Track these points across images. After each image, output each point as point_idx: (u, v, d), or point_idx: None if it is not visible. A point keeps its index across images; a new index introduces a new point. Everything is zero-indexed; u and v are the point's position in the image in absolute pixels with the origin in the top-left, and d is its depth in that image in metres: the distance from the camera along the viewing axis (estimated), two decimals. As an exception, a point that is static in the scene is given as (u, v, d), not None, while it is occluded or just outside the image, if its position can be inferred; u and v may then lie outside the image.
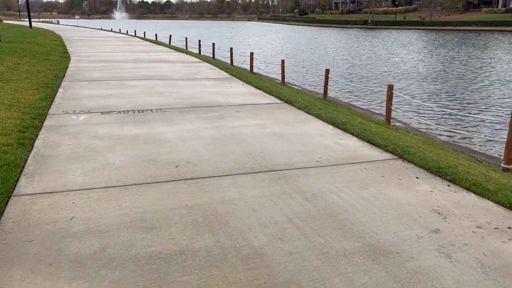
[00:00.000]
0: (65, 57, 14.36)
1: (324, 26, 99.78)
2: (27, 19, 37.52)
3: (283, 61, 15.55)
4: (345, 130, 6.17)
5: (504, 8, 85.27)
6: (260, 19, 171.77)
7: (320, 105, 8.79)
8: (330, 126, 6.39)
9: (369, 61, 27.53)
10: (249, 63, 17.83)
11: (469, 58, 29.66)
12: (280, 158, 4.90)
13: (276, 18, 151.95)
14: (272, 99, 8.32)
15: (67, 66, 12.21)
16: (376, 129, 6.96)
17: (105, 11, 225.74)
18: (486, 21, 78.65)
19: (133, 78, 10.50)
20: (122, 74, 11.23)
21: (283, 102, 8.07)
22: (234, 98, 8.36)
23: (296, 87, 16.19)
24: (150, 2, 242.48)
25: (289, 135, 5.84)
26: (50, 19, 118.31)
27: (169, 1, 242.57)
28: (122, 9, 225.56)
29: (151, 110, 7.18)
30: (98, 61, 14.04)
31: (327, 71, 12.54)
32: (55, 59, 13.61)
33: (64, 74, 10.69)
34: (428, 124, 10.86)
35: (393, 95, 9.60)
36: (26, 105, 7.07)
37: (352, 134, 6.02)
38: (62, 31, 36.97)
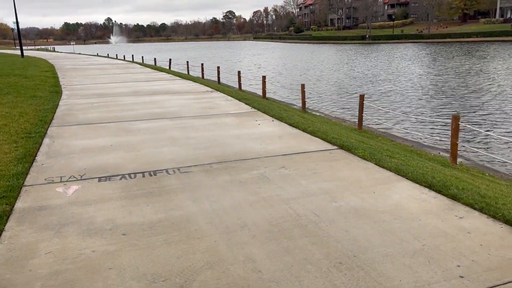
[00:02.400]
0: (56, 92, 12.50)
1: (321, 43, 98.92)
2: (24, 48, 36.01)
3: (303, 86, 13.77)
4: (454, 198, 4.25)
5: (502, 18, 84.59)
6: (256, 38, 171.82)
7: (381, 147, 6.88)
8: (426, 191, 4.47)
9: (392, 76, 25.80)
10: (256, 85, 16.04)
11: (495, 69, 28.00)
12: (394, 272, 2.96)
13: (272, 37, 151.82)
14: (320, 143, 6.41)
15: (57, 104, 10.33)
16: (484, 187, 5.03)
17: (101, 36, 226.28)
18: (486, 32, 77.77)
19: (137, 118, 8.61)
20: (123, 112, 9.34)
21: (337, 147, 6.16)
22: (270, 143, 6.45)
23: (317, 114, 14.34)
24: (145, 26, 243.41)
25: (378, 214, 3.92)
26: (46, 46, 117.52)
27: (164, 24, 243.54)
28: (118, 33, 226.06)
29: (166, 171, 5.26)
30: (93, 95, 12.17)
31: (362, 97, 10.71)
32: (44, 95, 11.74)
33: (53, 116, 8.80)
34: None
35: (459, 127, 7.74)
36: (-5, 172, 5.16)
37: (466, 204, 4.11)
38: (56, 59, 35.34)
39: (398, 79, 25.53)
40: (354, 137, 7.85)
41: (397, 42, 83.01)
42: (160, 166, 5.42)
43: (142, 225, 3.80)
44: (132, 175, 5.11)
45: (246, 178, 4.95)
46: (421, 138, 11.34)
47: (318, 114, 14.22)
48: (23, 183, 4.88)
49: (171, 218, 3.93)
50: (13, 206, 4.23)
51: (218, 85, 16.74)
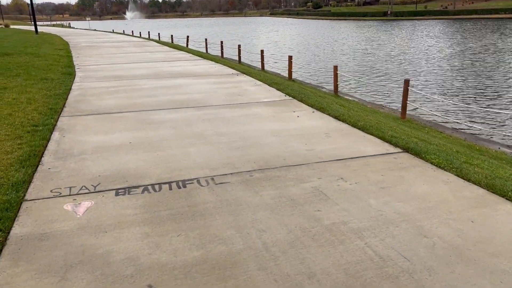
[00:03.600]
0: (69, 74, 11.58)
1: (341, 19, 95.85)
2: (39, 23, 35.13)
3: (335, 68, 12.57)
4: None
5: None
6: (273, 14, 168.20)
7: (446, 146, 5.79)
8: (539, 219, 3.42)
9: (422, 56, 24.21)
10: (279, 65, 14.85)
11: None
12: None
13: (289, 13, 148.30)
14: (378, 143, 5.35)
15: (70, 89, 9.40)
16: None
17: (116, 12, 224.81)
18: (515, 8, 74.14)
19: (158, 107, 7.62)
20: (142, 99, 8.36)
21: (401, 150, 5.09)
22: (317, 143, 5.42)
23: (350, 98, 13.17)
24: (160, 1, 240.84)
25: (490, 258, 2.89)
26: (62, 22, 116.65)
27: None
28: (133, 9, 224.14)
29: (198, 181, 4.28)
30: (109, 77, 11.21)
31: (407, 82, 9.52)
32: (56, 77, 10.82)
33: (64, 104, 7.87)
34: None
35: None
36: (-8, 180, 4.26)
37: None
38: (71, 35, 34.43)
39: (429, 59, 23.97)
40: (411, 133, 6.75)
41: (420, 19, 79.86)
42: (190, 174, 4.45)
43: (174, 269, 2.85)
44: (156, 187, 4.15)
45: (297, 193, 3.95)
46: (465, 127, 10.13)
47: (351, 99, 13.05)
48: (24, 196, 3.97)
49: (210, 257, 2.97)
50: (8, 233, 3.32)
51: (240, 66, 15.63)
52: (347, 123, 6.32)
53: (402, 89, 9.65)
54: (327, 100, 8.77)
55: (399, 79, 17.62)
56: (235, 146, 5.35)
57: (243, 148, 5.25)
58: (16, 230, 3.37)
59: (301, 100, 7.92)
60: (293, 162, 4.74)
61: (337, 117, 6.65)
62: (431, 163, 4.64)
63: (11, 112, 6.99)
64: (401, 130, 6.58)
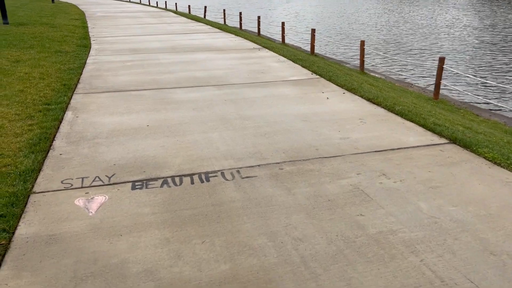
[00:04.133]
0: (84, 46, 11.13)
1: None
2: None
3: (362, 43, 11.85)
4: None
5: None
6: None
7: (497, 137, 5.22)
8: None
9: (449, 30, 23.05)
10: (299, 38, 14.14)
11: None
12: None
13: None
14: (420, 132, 4.81)
15: (85, 63, 8.97)
16: None
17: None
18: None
19: (177, 84, 7.15)
20: (160, 75, 7.90)
21: (447, 141, 4.56)
22: (351, 130, 4.92)
23: (377, 75, 12.49)
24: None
25: None
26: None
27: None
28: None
29: (222, 173, 3.85)
30: (125, 50, 10.74)
31: (442, 60, 8.83)
32: (71, 49, 10.40)
33: (79, 80, 7.46)
34: None
35: None
36: (-1, 168, 3.90)
37: None
38: (87, 5, 33.81)
39: (457, 33, 22.79)
40: (453, 119, 6.18)
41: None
42: (213, 165, 4.02)
43: (199, 287, 2.45)
44: (177, 180, 3.74)
45: (335, 192, 3.49)
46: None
47: (377, 76, 12.36)
48: (32, 188, 3.60)
49: (240, 272, 2.56)
50: (13, 234, 2.96)
51: (260, 39, 14.96)
52: (383, 107, 5.77)
53: (429, 65, 8.98)
54: (357, 79, 8.18)
55: (425, 54, 16.74)
56: (261, 132, 4.88)
57: (270, 135, 4.78)
58: (22, 230, 3.01)
59: (329, 79, 7.35)
60: (327, 153, 4.27)
61: (370, 100, 6.09)
62: (485, 157, 4.11)
63: (23, 88, 6.62)
64: (442, 116, 6.01)
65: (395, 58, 16.02)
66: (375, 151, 4.30)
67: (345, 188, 3.55)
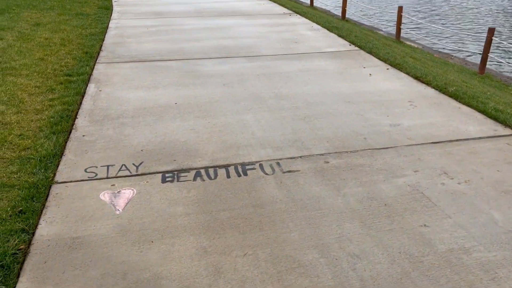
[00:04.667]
0: (106, 8, 10.62)
1: None
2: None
3: (400, 9, 10.98)
4: None
5: None
6: None
7: None
8: None
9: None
10: (325, 1, 13.26)
11: None
12: None
13: None
14: (480, 120, 4.28)
15: (107, 27, 8.50)
16: None
17: None
18: None
19: (205, 55, 6.67)
20: (186, 43, 7.40)
21: (512, 133, 4.04)
22: (401, 114, 4.42)
23: (414, 45, 11.69)
24: None
25: None
26: None
27: None
28: None
29: (260, 166, 3.45)
30: (148, 14, 10.20)
31: (491, 31, 8.06)
32: (92, 12, 9.91)
33: (101, 47, 7.03)
34: None
35: None
36: (14, 150, 3.57)
37: None
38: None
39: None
40: (510, 101, 5.58)
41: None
42: (250, 154, 3.62)
43: (244, 315, 2.11)
44: (211, 172, 3.36)
45: (391, 195, 3.06)
46: None
47: (415, 45, 11.56)
48: (54, 177, 3.28)
49: (291, 297, 2.20)
50: (33, 235, 2.65)
51: (289, 1, 14.11)
52: (433, 87, 5.21)
53: (471, 34, 8.21)
54: (398, 51, 7.53)
55: (461, 20, 15.64)
56: (300, 115, 4.42)
57: (310, 119, 4.32)
58: (43, 229, 2.70)
59: (370, 52, 6.75)
60: (377, 144, 3.81)
61: (418, 78, 5.52)
62: (560, 155, 3.59)
63: (43, 56, 6.24)
64: (499, 98, 5.42)
65: (432, 25, 15.02)
66: (432, 143, 3.82)
67: (402, 190, 3.12)
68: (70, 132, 4.03)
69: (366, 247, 2.55)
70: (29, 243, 2.59)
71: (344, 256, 2.48)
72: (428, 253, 2.50)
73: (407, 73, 5.73)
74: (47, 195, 3.05)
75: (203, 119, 4.33)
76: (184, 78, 5.55)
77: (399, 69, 5.91)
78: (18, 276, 2.33)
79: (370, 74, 5.70)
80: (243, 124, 4.20)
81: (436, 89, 5.14)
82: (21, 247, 2.52)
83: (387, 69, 5.96)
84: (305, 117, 4.36)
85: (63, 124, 4.12)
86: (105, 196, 3.06)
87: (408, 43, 11.89)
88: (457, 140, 3.87)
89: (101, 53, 6.68)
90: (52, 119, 4.22)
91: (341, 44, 7.30)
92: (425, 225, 2.74)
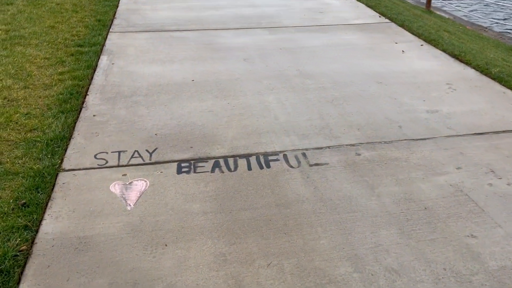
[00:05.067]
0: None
1: None
2: None
3: (434, -24, 10.18)
4: None
5: None
6: None
7: None
8: None
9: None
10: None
11: None
12: None
13: None
14: (526, 108, 3.88)
15: (121, -9, 8.06)
16: None
17: None
18: None
19: (223, 25, 6.25)
20: (204, 12, 6.97)
21: None
22: (439, 99, 4.03)
23: (444, 15, 10.98)
24: None
25: None
26: None
27: None
28: None
29: (284, 155, 3.14)
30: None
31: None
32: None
33: (114, 14, 6.65)
34: None
35: None
36: (20, 131, 3.32)
37: None
38: None
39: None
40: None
41: None
42: (273, 142, 3.31)
43: None
44: (231, 162, 3.07)
45: (431, 196, 2.74)
46: None
47: (446, 16, 10.85)
48: (61, 163, 3.03)
49: (321, 321, 1.94)
50: (36, 233, 2.42)
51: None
52: (473, 68, 4.75)
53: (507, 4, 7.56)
54: (431, 24, 6.97)
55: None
56: (328, 97, 4.06)
57: (338, 102, 3.96)
58: (48, 226, 2.47)
59: (401, 25, 6.24)
60: (414, 133, 3.45)
61: (456, 56, 5.05)
62: None
63: (54, 24, 5.91)
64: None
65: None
66: (475, 134, 3.44)
67: (444, 190, 2.79)
68: (80, 111, 3.76)
69: (406, 261, 2.26)
70: (32, 242, 2.36)
71: (381, 271, 2.20)
72: (477, 271, 2.19)
73: (443, 50, 5.26)
74: (53, 185, 2.81)
75: (222, 99, 4.00)
76: (201, 51, 5.18)
77: (434, 46, 5.43)
78: (18, 282, 2.12)
79: (403, 51, 5.25)
80: (265, 106, 3.86)
81: (477, 70, 4.68)
82: (23, 248, 2.29)
83: (421, 45, 5.48)
84: (333, 100, 4.00)
85: (73, 102, 3.85)
86: (115, 188, 2.80)
87: (438, 13, 11.17)
88: (503, 132, 3.48)
89: (115, 21, 6.31)
90: (61, 95, 3.95)
91: (370, 16, 6.78)
92: (472, 235, 2.42)
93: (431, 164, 3.06)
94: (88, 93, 4.10)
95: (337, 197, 2.72)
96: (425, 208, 2.63)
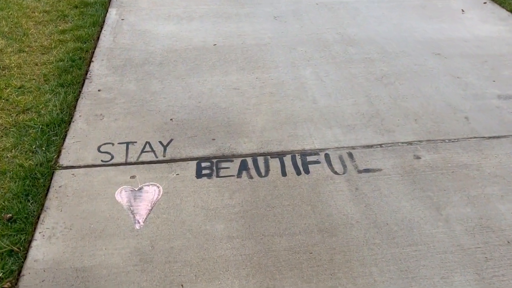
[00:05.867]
0: None
1: None
2: None
3: None
4: None
5: None
6: None
7: None
8: None
9: None
10: None
11: None
12: None
13: None
14: None
15: None
16: None
17: None
18: None
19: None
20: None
21: None
22: (511, 80, 3.32)
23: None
24: None
25: None
26: None
27: None
28: None
29: (326, 156, 2.57)
30: None
31: None
32: None
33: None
34: None
35: None
36: (11, 112, 2.80)
37: None
38: None
39: None
40: None
41: None
42: (311, 136, 2.73)
43: None
44: (261, 162, 2.52)
45: (514, 222, 2.18)
46: None
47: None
48: (58, 157, 2.53)
49: None
50: (24, 259, 1.97)
51: None
52: (551, 37, 3.95)
53: None
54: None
55: None
56: (376, 72, 3.39)
57: (390, 80, 3.29)
58: (38, 250, 2.01)
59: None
60: (485, 128, 2.81)
61: (529, 21, 4.23)
62: None
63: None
64: None
65: None
66: (562, 133, 2.79)
67: None
68: (83, 84, 3.19)
69: (489, 326, 1.75)
70: (18, 274, 1.91)
71: None
72: None
73: (511, 11, 4.41)
74: (48, 188, 2.33)
75: (250, 72, 3.36)
76: (225, 5, 4.45)
77: (499, 4, 4.57)
78: (-1, 336, 1.69)
79: (462, 11, 4.42)
80: (301, 84, 3.23)
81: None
82: (5, 286, 1.85)
83: (484, 3, 4.62)
84: (382, 76, 3.33)
85: (75, 72, 3.27)
86: (121, 196, 2.30)
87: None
88: None
89: (126, -37, 5.50)
90: (61, 62, 3.36)
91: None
92: None
93: (511, 175, 2.46)
94: (93, 59, 3.50)
95: (394, 221, 2.18)
96: (508, 243, 2.08)
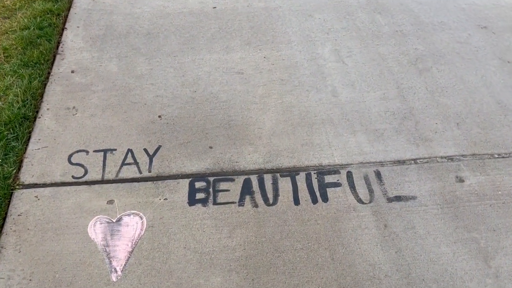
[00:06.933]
0: None
1: None
2: None
3: None
4: None
5: None
6: None
7: None
8: None
9: None
10: None
11: None
12: None
13: None
14: None
15: None
16: None
17: None
18: None
19: None
20: None
21: None
22: None
23: None
24: None
25: None
26: None
27: None
28: None
29: (348, 175, 2.09)
30: None
31: None
32: None
33: None
34: None
35: None
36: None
37: None
38: None
39: None
40: None
41: None
42: (330, 146, 2.22)
43: None
44: (268, 183, 2.05)
45: None
46: None
47: None
48: (19, 171, 2.05)
49: None
50: (-28, 327, 1.58)
51: None
52: None
53: None
54: None
55: None
56: (410, 52, 2.78)
57: (426, 64, 2.71)
58: (-10, 311, 1.61)
59: None
60: (542, 140, 2.30)
61: None
62: None
63: None
64: None
65: None
66: None
67: None
68: (54, 61, 2.62)
69: None
70: None
71: None
72: None
73: None
74: (4, 218, 1.88)
75: (256, 49, 2.77)
76: (227, -48, 3.68)
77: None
78: None
79: (514, -35, 3.66)
80: (317, 68, 2.65)
81: None
82: None
83: (540, -46, 3.83)
84: (417, 59, 2.74)
85: (43, 45, 2.68)
86: (96, 231, 1.87)
87: None
88: None
89: None
90: (26, 31, 2.76)
91: None
92: None
93: None
94: (66, 25, 2.88)
95: (432, 275, 1.76)
96: None
